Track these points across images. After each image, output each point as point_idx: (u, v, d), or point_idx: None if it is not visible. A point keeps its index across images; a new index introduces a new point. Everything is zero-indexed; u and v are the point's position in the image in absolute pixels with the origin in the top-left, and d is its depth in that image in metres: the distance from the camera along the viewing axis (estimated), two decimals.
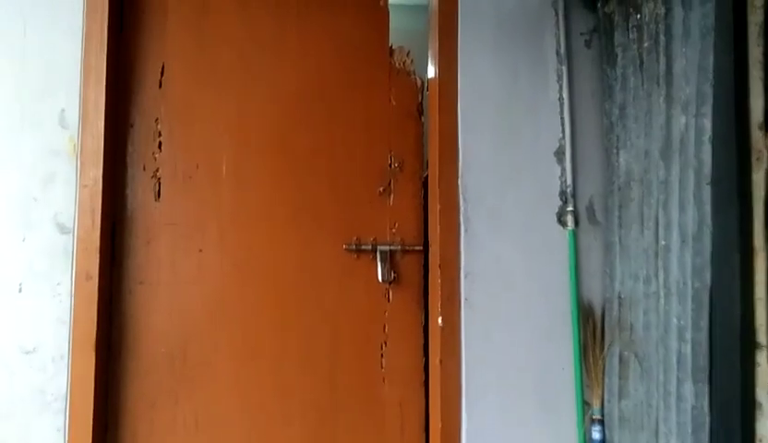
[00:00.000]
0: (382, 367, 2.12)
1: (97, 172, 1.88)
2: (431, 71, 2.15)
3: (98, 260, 1.87)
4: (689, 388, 1.61)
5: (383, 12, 2.21)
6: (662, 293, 1.75)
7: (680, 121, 1.70)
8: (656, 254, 1.79)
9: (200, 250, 2.04)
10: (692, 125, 1.64)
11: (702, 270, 1.58)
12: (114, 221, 2.00)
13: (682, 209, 1.67)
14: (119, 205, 2.00)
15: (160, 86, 2.05)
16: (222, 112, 2.09)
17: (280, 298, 2.08)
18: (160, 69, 2.06)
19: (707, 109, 1.59)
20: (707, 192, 1.58)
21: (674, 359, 1.68)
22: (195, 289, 2.03)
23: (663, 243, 1.75)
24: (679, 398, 1.65)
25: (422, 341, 2.14)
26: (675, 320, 1.69)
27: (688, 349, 1.62)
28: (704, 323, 1.57)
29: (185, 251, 2.03)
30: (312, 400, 2.07)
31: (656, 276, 1.78)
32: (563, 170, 2.09)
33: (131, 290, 1.99)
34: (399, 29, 2.27)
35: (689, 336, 1.62)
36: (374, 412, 2.10)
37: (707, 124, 1.59)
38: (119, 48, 2.01)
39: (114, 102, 1.98)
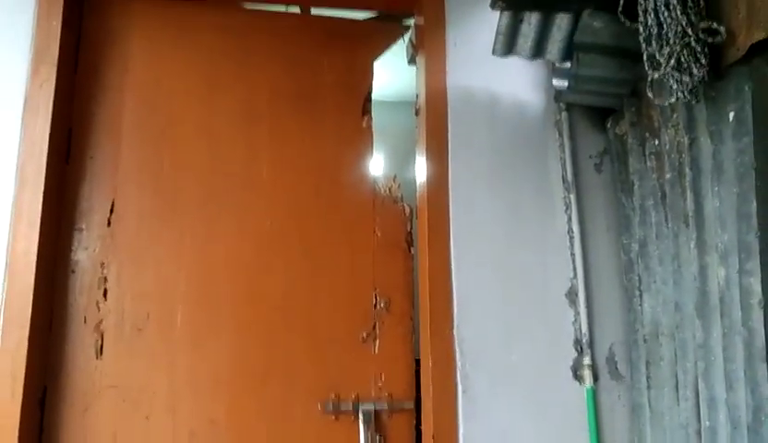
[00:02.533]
0: None
1: (22, 333, 1.58)
2: (420, 200, 1.89)
3: (16, 440, 1.53)
4: None
5: (366, 135, 1.97)
6: None
7: (719, 274, 1.40)
8: (698, 434, 1.45)
9: (147, 417, 1.71)
10: (735, 281, 1.35)
11: None
12: (46, 386, 1.68)
13: (729, 385, 1.34)
14: (52, 366, 1.69)
15: (108, 224, 1.79)
16: (180, 253, 1.82)
17: None
18: (109, 206, 1.80)
19: (754, 266, 1.30)
20: (763, 371, 1.26)
21: None
22: None
23: (707, 424, 1.41)
24: None
25: None
26: None
27: None
28: None
29: (129, 419, 1.71)
30: None
31: None
32: (577, 314, 1.78)
33: None
34: (384, 129, 2.04)
35: None
36: None
37: (755, 285, 1.29)
38: (61, 184, 1.76)
39: (50, 248, 1.71)
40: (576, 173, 1.86)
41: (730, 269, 1.37)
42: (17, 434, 1.55)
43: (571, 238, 1.83)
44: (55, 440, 1.66)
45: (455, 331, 1.73)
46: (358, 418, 1.79)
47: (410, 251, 1.95)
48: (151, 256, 1.80)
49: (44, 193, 1.66)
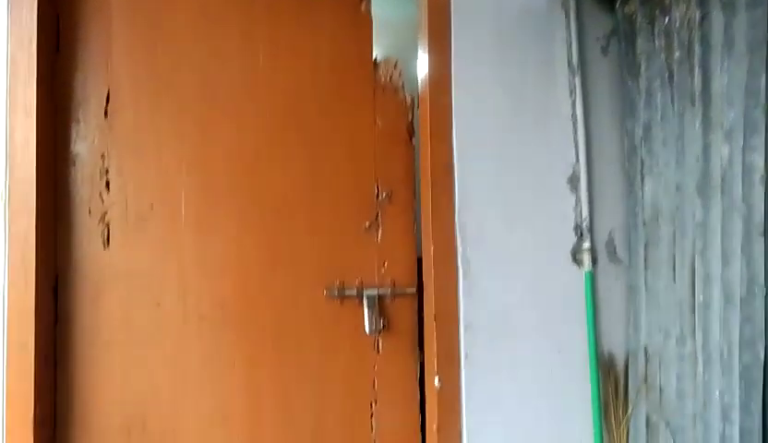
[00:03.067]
0: (372, 430, 1.85)
1: (29, 221, 1.60)
2: (420, 85, 1.85)
3: (33, 325, 1.59)
4: None
5: (365, 20, 1.90)
6: (700, 359, 1.46)
7: (722, 151, 1.39)
8: (692, 310, 1.50)
9: (158, 304, 1.77)
10: (738, 159, 1.34)
11: (753, 342, 1.29)
12: (57, 275, 1.72)
13: (726, 261, 1.37)
14: (61, 257, 1.72)
15: (105, 115, 1.76)
16: (179, 143, 1.80)
17: (252, 355, 1.80)
18: (104, 96, 1.76)
19: (758, 141, 1.29)
20: (760, 245, 1.29)
21: (716, 440, 1.40)
22: (153, 348, 1.76)
23: (701, 298, 1.45)
24: None
25: (417, 398, 1.86)
26: (717, 394, 1.40)
27: (734, 432, 1.34)
28: (756, 406, 1.28)
29: (140, 305, 1.76)
30: None
31: (693, 336, 1.49)
32: (578, 200, 1.79)
33: (78, 354, 1.72)
34: (384, 21, 1.97)
35: (735, 417, 1.33)
36: None
37: (759, 160, 1.29)
38: (54, 74, 1.72)
39: (49, 138, 1.70)
40: (582, 57, 1.81)
41: (734, 147, 1.36)
42: (33, 319, 1.60)
43: (575, 123, 1.80)
44: (71, 326, 1.72)
45: (456, 217, 1.74)
46: (362, 303, 1.84)
47: (411, 142, 1.93)
48: (151, 147, 1.79)
49: (37, 81, 1.62)
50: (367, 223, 1.88)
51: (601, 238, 1.81)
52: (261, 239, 1.83)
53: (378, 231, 1.89)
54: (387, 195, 1.89)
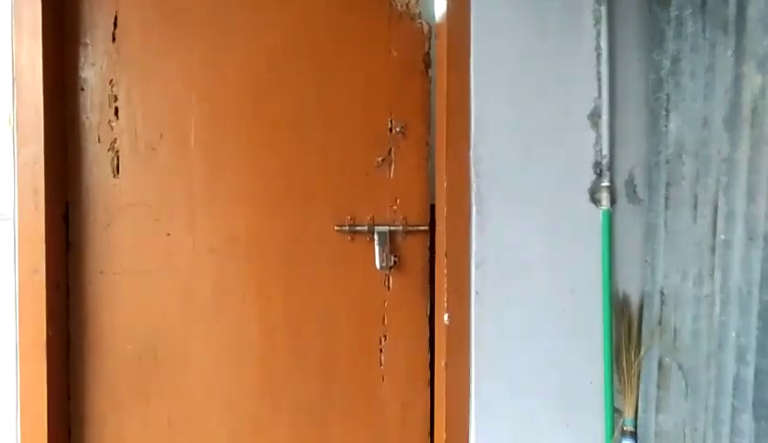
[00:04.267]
0: (381, 364, 1.85)
1: (37, 147, 1.59)
2: (438, 14, 1.77)
3: (44, 250, 1.60)
4: (747, 421, 1.30)
5: None
6: (717, 299, 1.42)
7: (754, 82, 1.31)
8: (712, 249, 1.44)
9: (168, 234, 1.76)
10: None
11: None
12: (68, 202, 1.72)
13: (751, 198, 1.31)
14: (72, 184, 1.72)
15: (113, 40, 1.72)
16: (188, 70, 1.76)
17: (262, 287, 1.80)
18: (112, 20, 1.72)
19: None
20: None
21: (729, 382, 1.37)
22: (163, 278, 1.76)
23: (722, 237, 1.40)
24: (734, 431, 1.34)
25: (427, 335, 1.86)
26: (733, 335, 1.36)
27: (749, 374, 1.31)
28: None
29: (150, 235, 1.76)
30: (302, 399, 1.82)
31: (711, 276, 1.44)
32: (598, 136, 1.72)
33: (90, 281, 1.73)
34: None
35: (751, 359, 1.30)
36: (372, 413, 1.85)
37: None
38: None
39: (56, 62, 1.66)
40: None
41: (767, 77, 1.28)
42: (44, 246, 1.61)
43: (599, 55, 1.72)
44: (81, 253, 1.73)
45: (471, 152, 1.69)
46: (373, 239, 1.82)
47: (427, 73, 1.86)
48: (160, 73, 1.75)
49: (42, 4, 1.58)
50: (380, 158, 1.84)
51: (621, 177, 1.75)
52: (271, 171, 1.80)
53: (390, 166, 1.85)
54: (401, 129, 1.84)
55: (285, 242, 1.80)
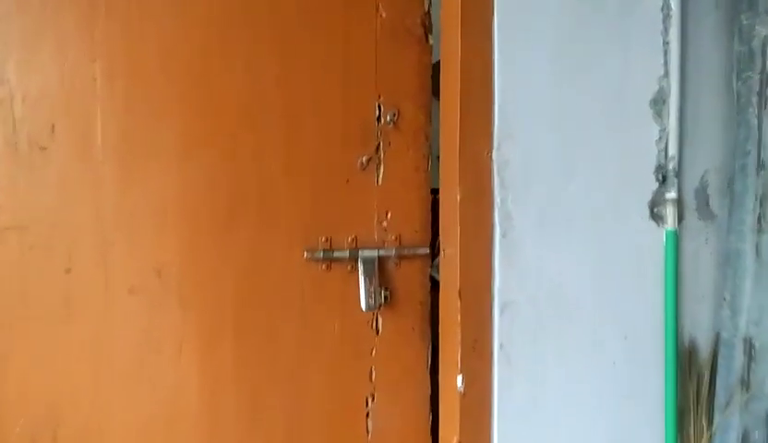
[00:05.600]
0: (368, 433, 1.39)
1: None
2: None
3: None
4: None
5: None
6: None
7: None
8: None
9: (68, 270, 1.24)
10: None
11: None
12: None
13: None
14: None
15: None
16: (91, 34, 1.23)
17: (206, 340, 1.31)
18: None
19: None
20: None
21: None
22: (63, 330, 1.25)
23: None
24: None
25: (428, 393, 1.40)
26: None
27: None
28: None
29: (41, 272, 1.24)
30: None
31: None
32: (664, 131, 1.27)
33: None
34: None
35: None
36: None
37: None
38: None
39: None
40: None
41: None
42: None
43: (666, 17, 1.25)
44: None
45: (494, 153, 1.21)
46: (357, 268, 1.34)
47: (427, 40, 1.37)
48: (50, 36, 1.21)
49: None
50: (364, 158, 1.35)
51: (690, 185, 1.30)
52: (215, 178, 1.29)
53: (378, 168, 1.36)
54: (392, 117, 1.35)
55: (235, 276, 1.30)
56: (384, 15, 1.34)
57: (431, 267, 1.40)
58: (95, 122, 1.24)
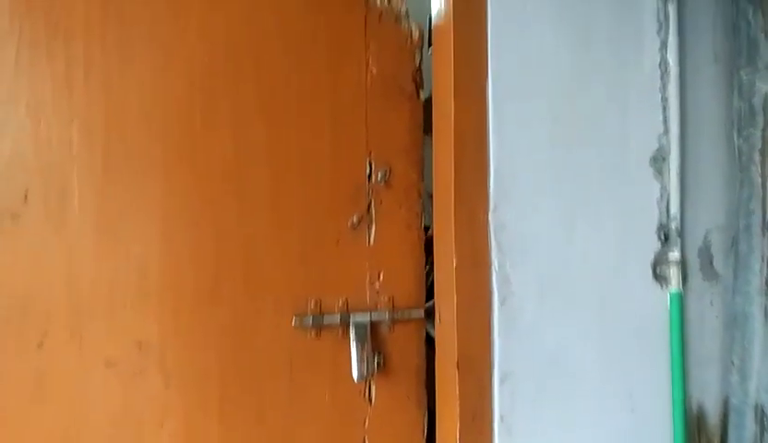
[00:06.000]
0: None
1: None
2: (437, 11, 1.23)
3: None
4: None
5: None
6: None
7: None
8: None
9: (39, 345, 1.17)
10: None
11: None
12: None
13: None
14: None
15: None
16: (70, 93, 1.18)
17: (189, 417, 1.23)
18: None
19: None
20: None
21: None
22: (36, 412, 1.17)
23: None
24: None
25: None
26: None
27: None
28: None
29: (11, 348, 1.16)
30: None
31: None
32: (665, 189, 1.23)
33: None
34: None
35: None
36: None
37: None
38: None
39: None
40: None
41: None
42: None
43: (665, 74, 1.22)
44: None
45: (490, 215, 1.16)
46: (348, 334, 1.28)
47: (419, 96, 1.33)
48: (24, 97, 1.16)
49: None
50: (355, 218, 1.30)
51: (693, 244, 1.26)
52: (201, 240, 1.23)
53: (369, 228, 1.31)
54: (383, 175, 1.31)
55: (220, 346, 1.24)
56: (374, 71, 1.30)
57: (426, 322, 1.35)
58: (72, 186, 1.18)
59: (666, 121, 1.22)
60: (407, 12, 1.31)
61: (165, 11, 1.21)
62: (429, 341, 1.34)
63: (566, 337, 1.19)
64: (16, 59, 1.15)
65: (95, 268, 1.19)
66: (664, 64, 1.21)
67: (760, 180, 1.17)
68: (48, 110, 1.18)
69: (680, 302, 1.22)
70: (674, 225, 1.22)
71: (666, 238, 1.23)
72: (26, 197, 1.16)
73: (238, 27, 1.23)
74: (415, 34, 1.31)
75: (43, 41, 1.17)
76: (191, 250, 1.22)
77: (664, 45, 1.21)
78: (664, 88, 1.21)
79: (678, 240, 1.22)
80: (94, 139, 1.19)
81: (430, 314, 1.33)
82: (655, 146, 1.22)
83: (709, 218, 1.26)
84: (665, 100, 1.22)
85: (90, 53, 1.19)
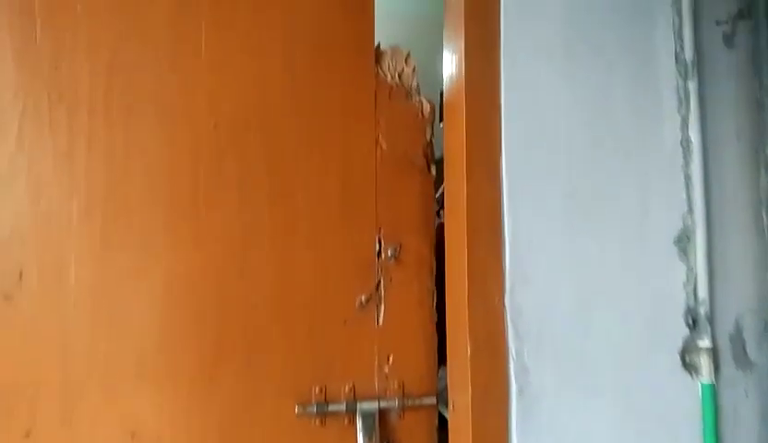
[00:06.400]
0: None
1: None
2: (448, 86, 1.20)
3: None
4: None
5: None
6: None
7: None
8: None
9: (27, 434, 1.10)
10: None
11: None
12: None
13: None
14: None
15: None
16: (71, 169, 1.15)
17: None
18: None
19: None
20: None
21: None
22: None
23: None
24: None
25: None
26: None
27: None
28: None
29: None
30: None
31: None
32: (691, 271, 1.16)
33: None
34: (397, 15, 1.33)
35: None
36: None
37: None
38: None
39: None
40: (697, 50, 1.17)
41: None
42: None
43: (687, 151, 1.17)
44: None
45: (506, 299, 1.10)
46: (355, 422, 1.20)
47: (430, 170, 1.29)
48: (23, 175, 1.13)
49: None
50: (363, 297, 1.24)
51: (723, 329, 1.18)
52: (201, 322, 1.17)
53: (378, 307, 1.25)
54: (393, 251, 1.25)
55: (219, 436, 1.15)
56: (384, 146, 1.26)
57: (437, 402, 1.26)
58: (68, 262, 1.13)
59: (689, 199, 1.16)
60: (418, 87, 1.29)
61: (172, 80, 1.19)
62: (441, 421, 1.26)
63: (588, 431, 1.10)
64: (18, 134, 1.13)
65: (90, 349, 1.13)
66: (685, 141, 1.17)
67: None
68: (48, 185, 1.15)
69: (713, 395, 1.14)
70: (702, 310, 1.14)
71: (694, 324, 1.15)
72: (20, 275, 1.11)
73: (247, 98, 1.21)
74: (426, 109, 1.28)
75: (47, 113, 1.15)
76: (191, 329, 1.16)
77: (685, 122, 1.17)
78: (686, 165, 1.16)
79: (708, 326, 1.14)
80: (94, 213, 1.15)
81: (442, 393, 1.25)
82: (679, 225, 1.16)
83: (740, 301, 1.18)
84: (687, 177, 1.16)
85: (94, 125, 1.17)
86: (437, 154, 1.30)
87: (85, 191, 1.15)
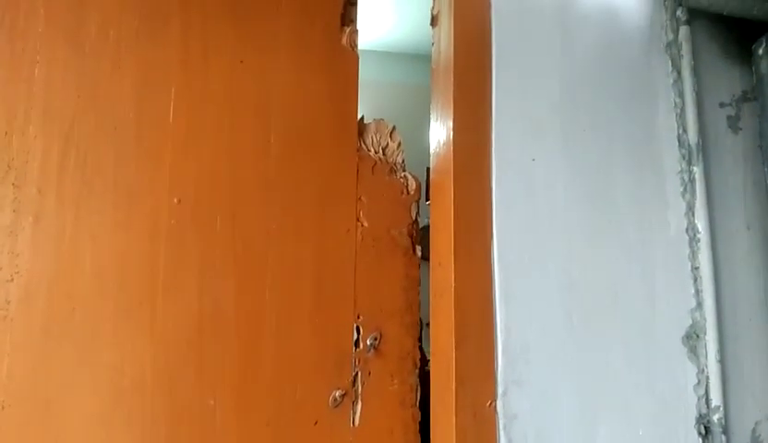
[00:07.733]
0: None
1: None
2: (436, 165, 1.11)
3: None
4: None
5: (349, 60, 1.17)
6: None
7: None
8: None
9: None
10: None
11: None
12: None
13: None
14: None
15: None
16: (17, 247, 1.02)
17: None
18: None
19: None
20: None
21: None
22: None
23: None
24: None
25: None
26: None
27: None
28: None
29: None
30: None
31: None
32: (701, 372, 1.05)
33: None
34: (382, 84, 1.25)
35: None
36: None
37: None
38: None
39: None
40: (701, 133, 1.10)
41: None
42: None
43: (694, 241, 1.07)
44: None
45: (499, 403, 0.97)
46: None
47: (415, 252, 1.18)
48: None
49: None
50: (338, 393, 1.10)
51: (739, 440, 1.05)
52: (149, 425, 1.02)
53: (354, 405, 1.11)
54: (373, 341, 1.13)
55: None
56: (365, 224, 1.16)
57: None
58: (1, 355, 0.99)
59: (698, 294, 1.06)
60: (403, 163, 1.20)
61: (134, 151, 1.08)
62: None
63: None
64: None
65: None
66: (692, 229, 1.08)
67: None
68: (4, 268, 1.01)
69: None
70: (716, 417, 1.03)
71: (706, 432, 1.03)
72: None
73: (215, 173, 1.10)
74: (412, 186, 1.19)
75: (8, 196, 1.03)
76: (137, 439, 1.01)
77: (690, 208, 1.08)
78: (693, 256, 1.07)
79: (723, 437, 1.02)
80: (33, 302, 1.02)
81: None
82: (688, 322, 1.06)
83: (756, 407, 1.07)
84: (695, 269, 1.07)
85: (43, 202, 1.05)
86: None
87: (26, 274, 1.02)
